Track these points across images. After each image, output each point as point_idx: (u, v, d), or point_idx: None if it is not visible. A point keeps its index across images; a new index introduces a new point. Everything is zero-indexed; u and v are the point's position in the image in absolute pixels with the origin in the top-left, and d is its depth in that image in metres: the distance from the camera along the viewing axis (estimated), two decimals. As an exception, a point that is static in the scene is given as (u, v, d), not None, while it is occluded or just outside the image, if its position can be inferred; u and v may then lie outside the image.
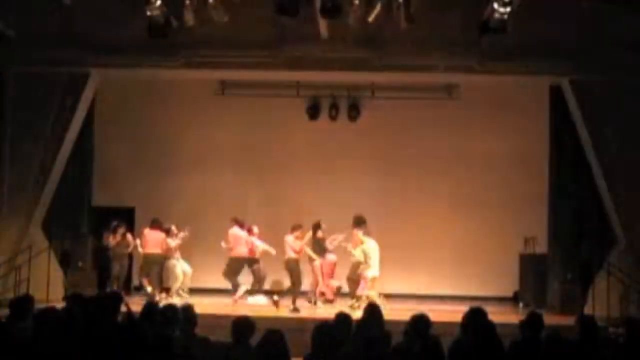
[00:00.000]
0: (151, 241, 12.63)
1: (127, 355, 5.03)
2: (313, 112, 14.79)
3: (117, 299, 6.48)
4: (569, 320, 6.73)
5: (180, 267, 12.94)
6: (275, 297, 11.93)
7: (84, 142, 13.40)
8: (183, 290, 13.00)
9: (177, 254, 13.01)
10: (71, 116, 12.50)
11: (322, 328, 4.91)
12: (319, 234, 12.61)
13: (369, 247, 11.90)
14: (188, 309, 5.77)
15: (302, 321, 9.90)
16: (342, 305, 11.53)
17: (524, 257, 13.15)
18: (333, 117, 14.82)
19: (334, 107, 14.80)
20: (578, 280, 12.09)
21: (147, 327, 5.54)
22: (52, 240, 12.69)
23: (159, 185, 14.84)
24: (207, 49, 11.87)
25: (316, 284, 12.59)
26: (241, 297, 12.51)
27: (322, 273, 12.61)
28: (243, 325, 5.31)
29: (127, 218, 13.88)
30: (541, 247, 13.03)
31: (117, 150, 14.70)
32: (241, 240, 12.70)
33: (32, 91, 12.24)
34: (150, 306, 6.00)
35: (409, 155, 14.72)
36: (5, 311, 6.23)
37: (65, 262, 13.00)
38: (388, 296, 12.23)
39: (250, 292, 12.73)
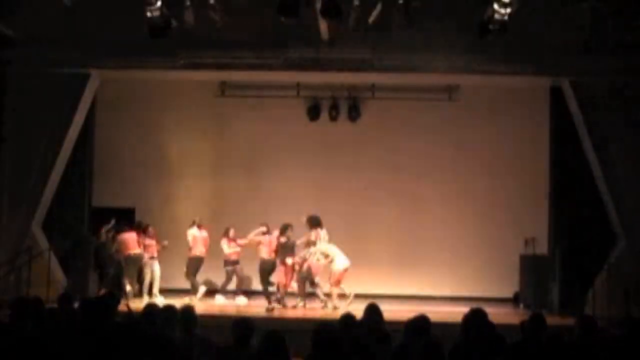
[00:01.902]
0: (128, 243, 12.88)
1: (127, 356, 5.03)
2: (313, 112, 14.79)
3: (109, 301, 6.47)
4: (569, 321, 6.72)
5: (150, 265, 13.02)
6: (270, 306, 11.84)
7: (84, 142, 13.40)
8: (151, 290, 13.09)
9: (153, 253, 13.11)
10: (71, 117, 12.51)
11: (324, 329, 4.90)
12: (286, 237, 12.32)
13: (325, 244, 11.92)
14: (188, 309, 5.78)
15: (302, 322, 9.90)
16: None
17: (524, 257, 13.16)
18: (333, 118, 14.81)
19: (334, 108, 14.79)
20: (578, 280, 12.09)
21: (147, 327, 5.54)
22: (52, 241, 12.70)
23: (159, 186, 14.85)
24: (207, 50, 11.88)
25: (286, 284, 12.40)
26: (203, 298, 12.75)
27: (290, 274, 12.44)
28: (243, 326, 5.31)
29: (127, 218, 13.91)
30: (541, 248, 13.04)
31: (117, 150, 14.71)
32: (199, 241, 12.99)
33: (32, 92, 12.24)
34: (151, 306, 6.00)
35: (409, 155, 14.71)
36: (6, 312, 6.22)
37: (66, 262, 13.00)
38: (388, 297, 12.23)
39: (231, 293, 13.00)
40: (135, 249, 12.85)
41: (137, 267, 12.96)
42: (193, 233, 13.04)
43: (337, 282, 11.93)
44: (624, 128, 11.73)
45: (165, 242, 13.13)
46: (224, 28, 10.58)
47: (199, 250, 13.00)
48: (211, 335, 5.65)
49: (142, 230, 13.07)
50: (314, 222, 12.17)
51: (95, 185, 14.51)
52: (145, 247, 12.98)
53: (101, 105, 13.97)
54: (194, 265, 13.03)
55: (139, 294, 12.84)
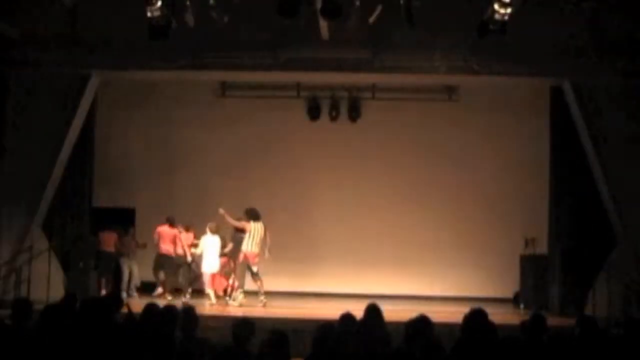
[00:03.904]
0: (105, 241, 13.48)
1: (127, 356, 5.04)
2: (313, 113, 14.81)
3: (110, 301, 6.47)
4: (569, 321, 6.73)
5: (127, 265, 13.57)
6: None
7: (84, 142, 13.38)
8: (130, 288, 13.56)
9: (131, 253, 13.66)
10: (72, 117, 12.50)
11: (324, 329, 4.91)
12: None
13: (204, 241, 12.48)
14: (189, 310, 5.78)
15: (302, 322, 9.89)
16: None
17: (524, 258, 13.15)
18: (333, 118, 14.83)
19: (335, 108, 14.81)
20: (578, 281, 12.08)
21: (148, 327, 5.55)
22: (52, 241, 12.69)
23: (160, 186, 14.86)
24: (208, 51, 11.88)
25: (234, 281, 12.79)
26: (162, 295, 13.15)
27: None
28: (243, 326, 5.32)
29: (127, 219, 13.94)
30: (541, 248, 13.03)
31: (117, 151, 14.72)
32: (166, 238, 13.27)
33: (33, 92, 12.24)
34: (151, 307, 6.00)
35: (409, 155, 14.74)
36: (5, 312, 6.22)
37: (66, 263, 13.00)
38: (388, 297, 12.22)
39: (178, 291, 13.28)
40: (109, 247, 13.37)
41: (108, 264, 13.38)
42: (159, 230, 13.31)
43: (209, 284, 12.42)
44: (624, 128, 11.73)
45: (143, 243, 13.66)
46: (224, 28, 10.57)
47: (164, 248, 13.28)
48: (211, 335, 5.65)
49: (124, 232, 13.63)
50: (249, 215, 12.37)
51: (95, 186, 14.51)
52: (123, 247, 13.55)
53: (101, 106, 13.95)
54: (157, 261, 13.39)
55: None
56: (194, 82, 14.32)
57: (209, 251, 12.46)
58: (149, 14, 9.97)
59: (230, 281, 12.85)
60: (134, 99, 14.71)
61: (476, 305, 5.73)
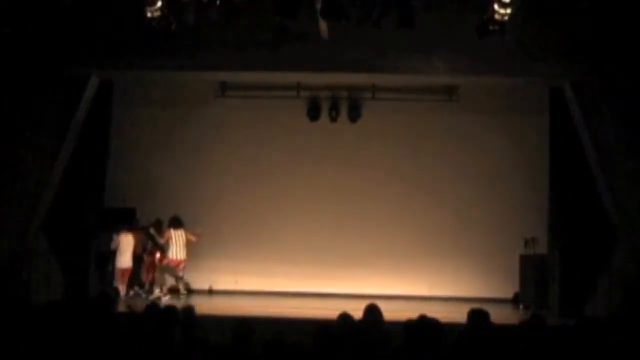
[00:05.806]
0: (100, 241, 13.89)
1: (127, 356, 5.04)
2: (313, 113, 14.79)
3: (106, 301, 6.46)
4: (569, 321, 6.72)
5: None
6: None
7: (84, 143, 13.37)
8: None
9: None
10: (72, 117, 12.50)
11: (324, 329, 4.91)
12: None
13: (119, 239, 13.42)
14: (189, 310, 5.79)
15: (302, 322, 9.90)
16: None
17: (524, 257, 13.15)
18: (333, 119, 14.82)
19: (335, 109, 14.80)
20: (578, 281, 12.08)
21: (148, 328, 5.55)
22: (52, 242, 12.68)
23: (159, 186, 14.85)
24: (207, 50, 11.87)
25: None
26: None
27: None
28: (243, 326, 5.32)
29: (127, 219, 13.92)
30: (541, 248, 13.04)
31: (116, 151, 14.71)
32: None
33: (32, 92, 12.23)
34: (152, 307, 6.01)
35: (409, 156, 14.74)
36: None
37: (66, 263, 13.00)
38: (388, 297, 12.22)
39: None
40: (104, 247, 13.66)
41: (104, 264, 13.62)
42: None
43: (119, 279, 13.27)
44: (624, 128, 11.72)
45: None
46: (224, 28, 10.57)
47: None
48: (211, 335, 5.65)
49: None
50: (170, 223, 13.25)
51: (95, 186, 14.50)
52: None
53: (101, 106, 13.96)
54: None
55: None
56: (194, 82, 14.32)
57: (123, 248, 13.34)
58: (149, 14, 9.98)
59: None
60: (133, 99, 14.69)
61: (476, 305, 5.74)
